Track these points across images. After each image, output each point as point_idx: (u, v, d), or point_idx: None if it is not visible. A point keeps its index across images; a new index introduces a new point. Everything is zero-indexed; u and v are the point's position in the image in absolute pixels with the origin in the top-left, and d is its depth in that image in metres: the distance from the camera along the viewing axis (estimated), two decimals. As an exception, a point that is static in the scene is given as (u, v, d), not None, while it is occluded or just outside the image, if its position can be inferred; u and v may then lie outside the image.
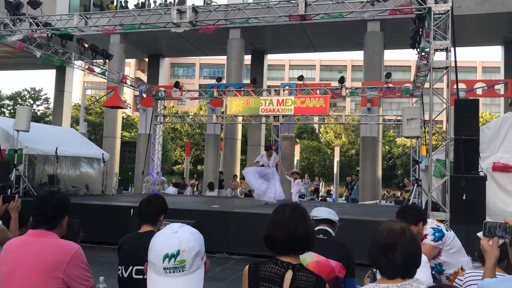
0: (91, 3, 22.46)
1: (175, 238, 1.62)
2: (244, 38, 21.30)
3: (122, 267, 3.00)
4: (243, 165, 22.40)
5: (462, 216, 7.83)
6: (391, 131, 43.92)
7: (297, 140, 34.30)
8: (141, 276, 2.74)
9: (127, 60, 31.71)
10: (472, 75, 50.99)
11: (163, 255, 1.60)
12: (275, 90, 17.02)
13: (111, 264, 3.57)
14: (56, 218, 2.68)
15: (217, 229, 9.57)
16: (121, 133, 26.72)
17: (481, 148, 9.21)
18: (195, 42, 23.02)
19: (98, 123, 37.29)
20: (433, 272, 4.09)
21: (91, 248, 8.80)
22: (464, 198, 8.09)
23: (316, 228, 3.28)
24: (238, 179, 19.61)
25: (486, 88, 15.58)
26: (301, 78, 16.96)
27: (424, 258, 2.60)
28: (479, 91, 15.41)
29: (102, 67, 15.01)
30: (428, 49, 9.35)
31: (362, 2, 9.72)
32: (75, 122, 35.59)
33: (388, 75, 15.52)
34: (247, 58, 23.85)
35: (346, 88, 16.15)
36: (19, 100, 40.34)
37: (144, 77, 42.00)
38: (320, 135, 48.59)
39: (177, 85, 17.51)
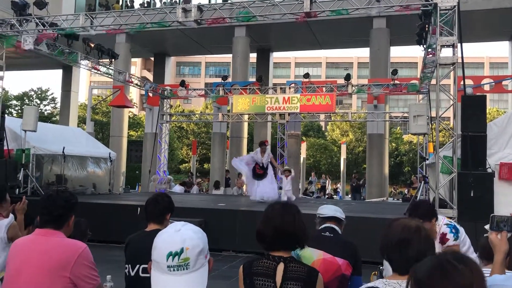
0: (96, 2, 22.54)
1: (178, 236, 1.62)
2: (250, 36, 21.29)
3: (129, 265, 3.00)
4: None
5: (469, 213, 7.79)
6: (398, 128, 43.75)
7: (304, 138, 34.19)
8: (148, 275, 2.73)
9: (133, 59, 31.78)
10: (479, 71, 50.57)
11: (166, 253, 1.60)
12: (280, 88, 16.98)
13: (118, 263, 3.58)
14: (63, 217, 2.69)
15: (224, 227, 9.61)
16: (128, 132, 26.80)
17: (489, 145, 9.13)
18: (200, 41, 23.06)
19: (104, 123, 37.42)
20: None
21: (98, 247, 8.82)
22: (471, 195, 8.04)
23: (323, 226, 3.29)
24: (244, 177, 19.59)
25: (493, 84, 15.47)
26: (307, 75, 16.95)
27: None
28: (486, 87, 15.30)
29: (108, 66, 15.06)
30: (434, 45, 9.29)
31: (368, -2, 9.71)
32: (82, 121, 35.78)
33: (395, 72, 15.42)
34: (253, 56, 23.85)
35: (352, 85, 16.06)
36: (26, 100, 40.52)
37: (150, 76, 42.12)
38: (326, 132, 48.48)
39: (183, 84, 17.57)
